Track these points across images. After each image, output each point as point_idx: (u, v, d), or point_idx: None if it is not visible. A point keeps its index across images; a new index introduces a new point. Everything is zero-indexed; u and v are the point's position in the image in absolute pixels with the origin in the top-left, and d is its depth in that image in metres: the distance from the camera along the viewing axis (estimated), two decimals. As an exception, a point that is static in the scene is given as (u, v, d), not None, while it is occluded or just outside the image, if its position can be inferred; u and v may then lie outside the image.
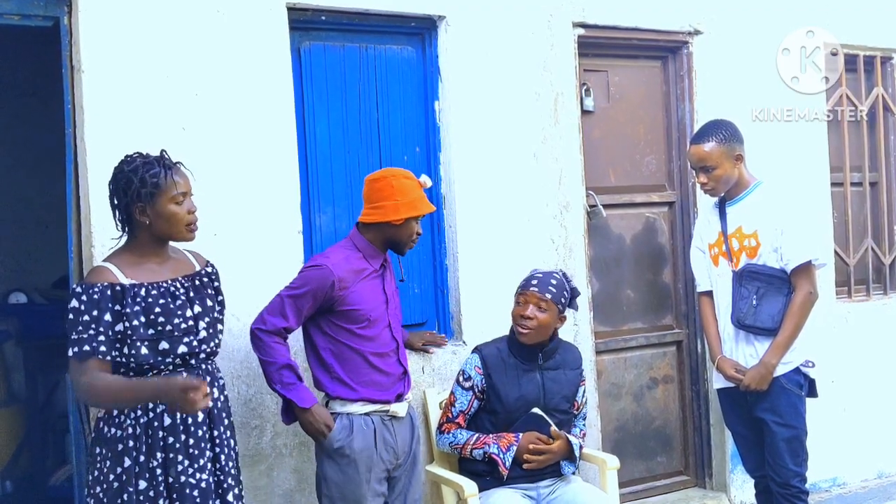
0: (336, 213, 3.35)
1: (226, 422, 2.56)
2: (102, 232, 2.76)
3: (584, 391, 3.29)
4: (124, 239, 2.46)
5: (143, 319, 2.34)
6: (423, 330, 3.54)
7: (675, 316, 4.26)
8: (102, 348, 2.30)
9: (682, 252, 4.22)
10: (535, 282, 3.15)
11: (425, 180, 2.86)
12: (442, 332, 3.59)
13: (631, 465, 4.09)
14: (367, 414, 2.81)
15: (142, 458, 2.35)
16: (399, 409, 2.88)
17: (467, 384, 3.18)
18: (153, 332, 2.34)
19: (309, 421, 2.73)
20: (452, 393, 3.22)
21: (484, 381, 3.16)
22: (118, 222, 2.44)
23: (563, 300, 3.15)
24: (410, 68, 3.54)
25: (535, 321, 3.10)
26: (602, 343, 4.00)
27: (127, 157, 2.44)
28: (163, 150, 2.47)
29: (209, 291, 2.56)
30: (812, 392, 3.27)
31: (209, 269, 2.58)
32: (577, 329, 3.79)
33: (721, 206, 3.39)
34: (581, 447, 3.17)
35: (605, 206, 3.95)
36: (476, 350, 3.23)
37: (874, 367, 4.53)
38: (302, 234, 3.21)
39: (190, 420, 2.42)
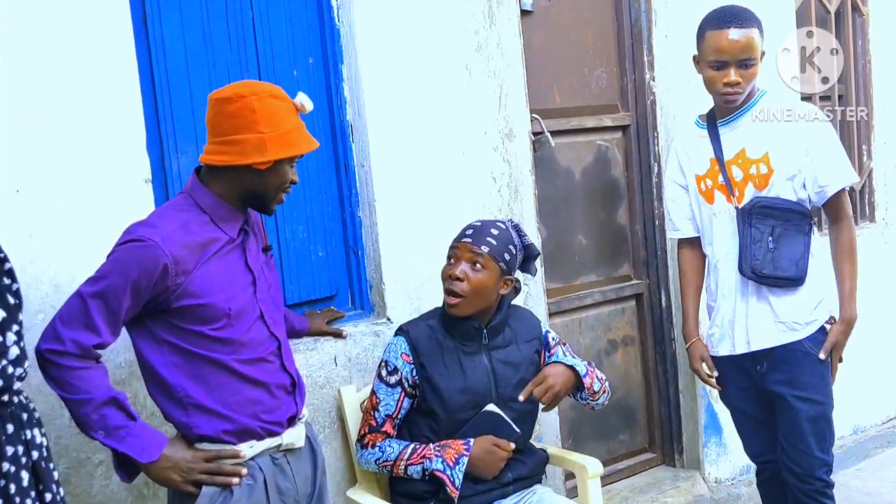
0: (201, 152, 2.37)
1: (55, 476, 1.70)
2: None
3: (559, 353, 2.47)
4: None
5: None
6: (327, 306, 2.65)
7: (633, 263, 3.52)
8: None
9: (638, 187, 3.47)
10: (469, 231, 2.34)
11: (304, 101, 1.91)
12: (358, 306, 2.70)
13: (590, 447, 3.37)
14: (250, 459, 1.89)
15: None
16: (294, 437, 1.97)
17: (393, 378, 2.35)
18: None
19: (164, 476, 1.81)
20: (374, 392, 2.38)
21: (415, 372, 2.33)
22: None
23: (507, 257, 2.34)
24: (294, -52, 2.57)
25: (468, 284, 2.29)
26: (553, 303, 3.22)
27: None
28: None
29: (5, 281, 1.63)
30: (827, 355, 2.60)
31: None
32: (528, 290, 2.98)
33: (711, 126, 2.61)
34: (592, 375, 2.44)
35: (551, 133, 3.13)
36: (401, 331, 2.39)
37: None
38: (151, 184, 2.24)
39: (13, 488, 1.56)
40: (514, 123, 2.91)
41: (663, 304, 3.49)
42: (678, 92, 3.36)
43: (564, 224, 3.30)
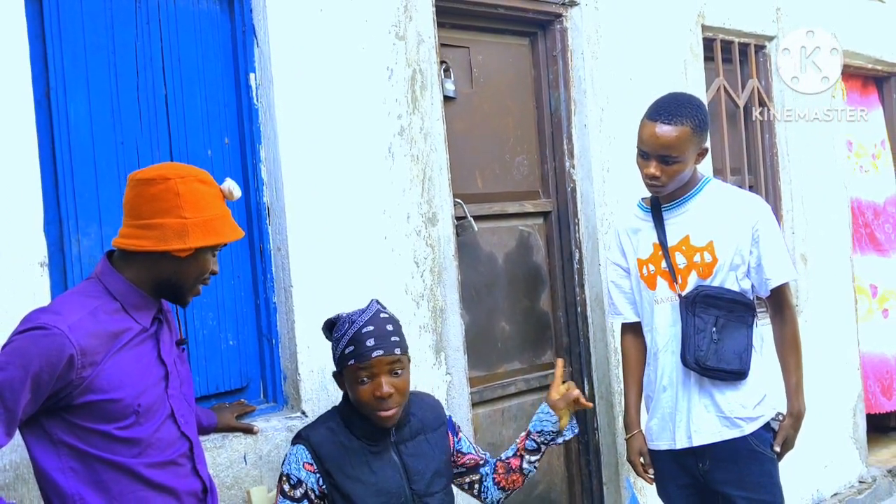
0: (105, 234, 2.22)
1: None
2: None
3: (464, 440, 2.40)
4: None
5: None
6: (237, 399, 2.47)
7: (556, 350, 3.46)
8: None
9: (560, 273, 3.45)
10: (371, 342, 2.15)
11: (232, 188, 1.83)
12: (271, 399, 2.54)
13: (514, 544, 3.23)
14: None
15: None
16: None
17: (298, 492, 2.15)
18: None
19: None
20: None
21: (321, 482, 2.16)
22: None
23: (406, 341, 2.25)
24: (212, 26, 2.49)
25: (397, 395, 2.17)
26: (476, 393, 3.11)
27: None
28: None
29: None
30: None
31: None
32: (450, 379, 2.88)
33: (655, 211, 2.60)
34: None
35: (474, 218, 3.08)
36: (299, 438, 2.20)
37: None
38: (48, 269, 2.06)
39: None
40: (438, 208, 2.86)
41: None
42: (598, 180, 3.39)
43: (487, 310, 3.23)
